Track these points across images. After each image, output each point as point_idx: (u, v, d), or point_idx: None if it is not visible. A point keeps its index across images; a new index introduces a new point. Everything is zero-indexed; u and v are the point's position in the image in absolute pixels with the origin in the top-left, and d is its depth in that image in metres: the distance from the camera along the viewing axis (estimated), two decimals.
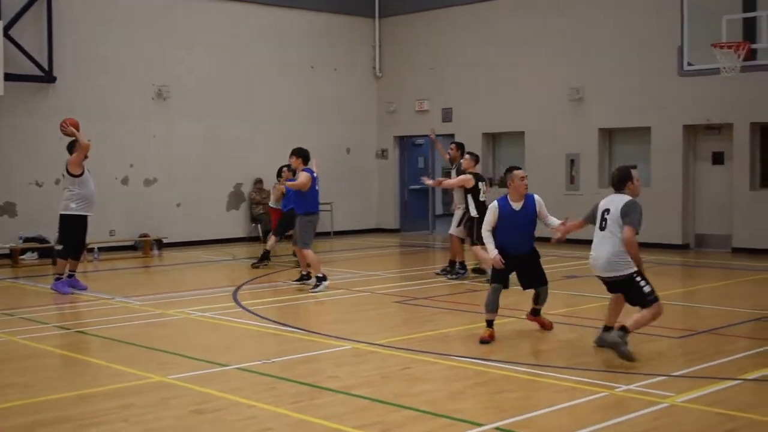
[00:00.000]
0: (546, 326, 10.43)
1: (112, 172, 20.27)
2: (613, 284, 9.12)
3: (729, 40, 14.81)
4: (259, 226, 22.41)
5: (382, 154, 25.47)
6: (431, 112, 24.26)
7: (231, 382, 8.16)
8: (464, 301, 12.84)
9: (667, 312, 11.07)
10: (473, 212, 14.46)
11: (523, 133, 22.09)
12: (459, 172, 15.07)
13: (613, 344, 8.66)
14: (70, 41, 19.72)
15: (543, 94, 21.69)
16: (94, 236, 19.40)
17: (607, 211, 9.09)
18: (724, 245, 19.20)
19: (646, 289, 8.88)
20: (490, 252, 10.01)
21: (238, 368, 8.60)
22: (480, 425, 6.69)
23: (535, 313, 10.51)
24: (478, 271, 15.19)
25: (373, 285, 14.56)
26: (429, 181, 15.64)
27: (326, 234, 23.67)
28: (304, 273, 14.39)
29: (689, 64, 15.63)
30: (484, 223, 10.17)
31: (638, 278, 8.88)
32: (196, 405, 7.35)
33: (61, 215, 14.11)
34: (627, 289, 9.01)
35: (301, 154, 14.70)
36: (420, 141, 25.50)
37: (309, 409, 7.12)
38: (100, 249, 19.28)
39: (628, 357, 8.56)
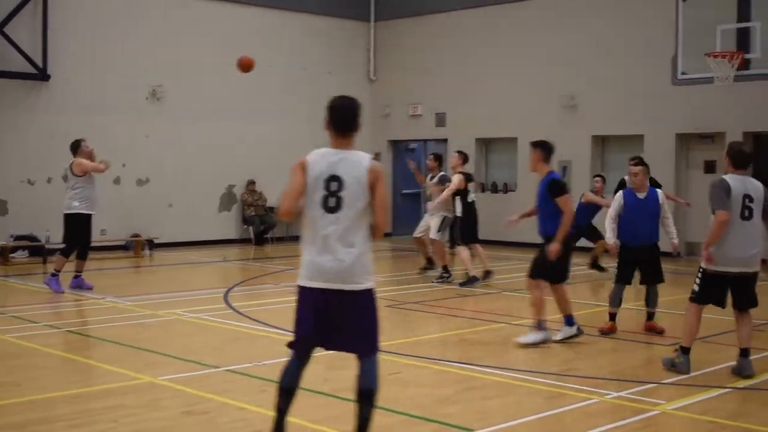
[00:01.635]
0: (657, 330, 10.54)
1: (104, 173, 20.18)
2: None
3: (723, 50, 14.88)
4: (251, 228, 22.41)
5: (376, 157, 25.37)
6: (424, 116, 24.28)
7: (221, 384, 8.16)
8: (455, 305, 12.84)
9: (657, 320, 11.12)
10: (458, 213, 14.51)
11: (516, 139, 22.11)
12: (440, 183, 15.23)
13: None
14: (65, 40, 19.69)
15: (537, 100, 21.73)
16: None
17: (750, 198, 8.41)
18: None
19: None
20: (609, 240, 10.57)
21: (228, 370, 8.60)
22: (470, 430, 6.70)
23: (649, 318, 10.71)
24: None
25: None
26: (430, 205, 15.28)
27: None
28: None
29: (683, 73, 15.68)
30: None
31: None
32: (186, 407, 7.34)
33: (65, 214, 13.96)
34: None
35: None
36: (413, 145, 25.52)
37: (300, 413, 7.11)
38: (91, 248, 19.17)
39: None
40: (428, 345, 9.95)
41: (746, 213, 8.30)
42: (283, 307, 12.44)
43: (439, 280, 15.04)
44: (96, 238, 19.62)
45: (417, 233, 16.28)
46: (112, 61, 20.43)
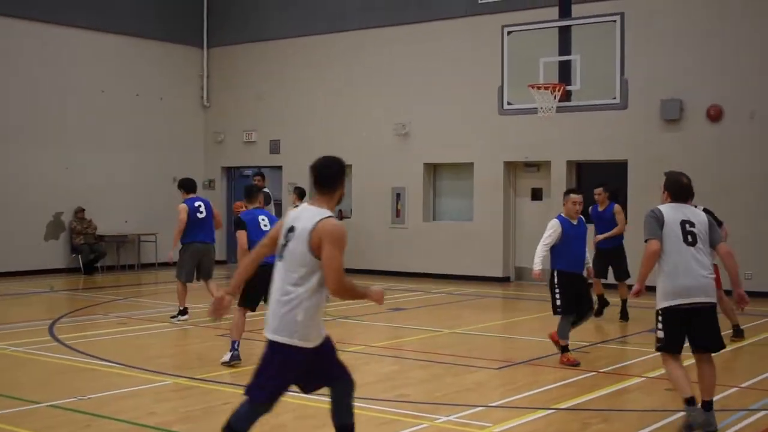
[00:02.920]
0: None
1: None
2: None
3: (546, 82, 15.40)
4: (80, 256, 21.73)
5: (209, 184, 25.19)
6: (259, 143, 24.20)
7: (45, 419, 7.86)
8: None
9: (486, 343, 11.41)
10: None
11: (350, 166, 22.30)
12: None
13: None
14: None
15: (370, 127, 22.01)
16: None
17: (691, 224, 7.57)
18: (542, 278, 19.81)
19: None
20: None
21: (50, 405, 8.28)
22: None
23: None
24: None
25: (196, 318, 14.32)
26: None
27: (151, 265, 23.18)
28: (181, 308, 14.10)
29: (509, 103, 16.15)
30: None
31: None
32: None
33: None
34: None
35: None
36: (247, 172, 25.37)
37: None
38: None
39: None
40: None
41: (689, 238, 7.46)
42: (112, 339, 12.14)
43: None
44: None
45: None
46: None
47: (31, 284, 19.28)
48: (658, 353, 7.57)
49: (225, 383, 9.24)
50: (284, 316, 5.70)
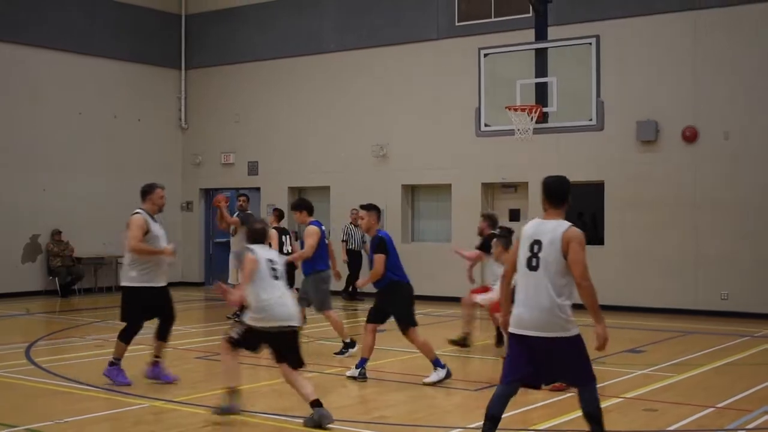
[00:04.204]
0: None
1: None
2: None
3: (522, 104, 15.52)
4: (56, 279, 21.61)
5: (187, 206, 25.15)
6: (237, 165, 24.20)
7: None
8: (264, 356, 12.73)
9: (464, 364, 11.44)
10: None
11: (328, 187, 22.34)
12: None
13: None
14: None
15: (348, 149, 22.07)
16: None
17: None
18: None
19: None
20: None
21: (27, 429, 8.23)
22: None
23: None
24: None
25: (174, 340, 14.21)
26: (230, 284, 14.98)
27: None
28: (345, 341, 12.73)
29: (486, 125, 16.25)
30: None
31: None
32: None
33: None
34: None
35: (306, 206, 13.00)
36: (226, 194, 25.31)
37: None
38: None
39: None
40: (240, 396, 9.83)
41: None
42: (89, 362, 12.07)
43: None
44: None
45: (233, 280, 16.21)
46: None
47: (7, 307, 19.14)
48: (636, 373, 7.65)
49: (203, 406, 9.20)
50: (552, 315, 6.61)
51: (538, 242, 6.69)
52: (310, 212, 12.83)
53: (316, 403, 8.20)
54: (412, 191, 21.71)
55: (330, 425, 8.25)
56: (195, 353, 12.90)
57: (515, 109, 15.46)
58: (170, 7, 24.95)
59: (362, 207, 11.59)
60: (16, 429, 8.27)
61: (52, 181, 21.96)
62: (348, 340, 12.54)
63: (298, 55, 23.13)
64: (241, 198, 17.36)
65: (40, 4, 21.89)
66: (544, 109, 15.55)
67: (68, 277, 21.75)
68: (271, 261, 8.57)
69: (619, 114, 17.93)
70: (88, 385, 10.36)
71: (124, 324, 10.54)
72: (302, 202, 12.96)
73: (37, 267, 21.72)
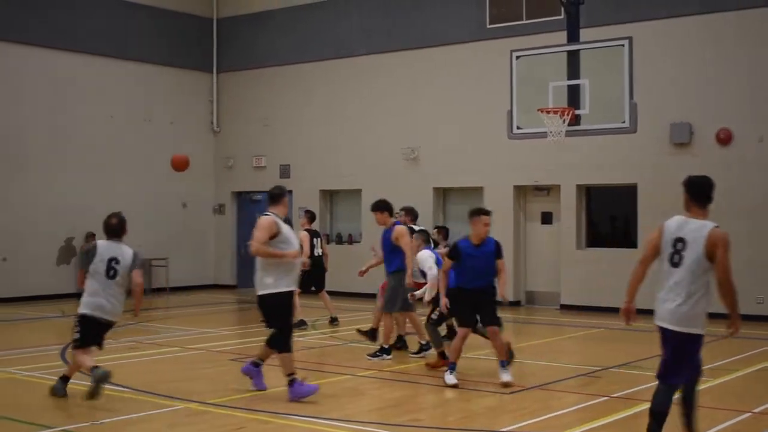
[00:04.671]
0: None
1: None
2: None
3: (555, 106, 15.46)
4: None
5: (219, 209, 25.28)
6: (268, 168, 24.29)
7: None
8: (300, 358, 12.78)
9: (497, 368, 11.39)
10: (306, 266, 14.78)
11: (360, 190, 22.37)
12: None
13: None
14: None
15: (379, 152, 22.08)
16: None
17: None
18: (552, 302, 19.89)
19: None
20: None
21: (63, 430, 8.31)
22: None
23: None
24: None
25: (208, 342, 14.36)
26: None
27: (162, 289, 23.27)
28: (422, 342, 12.76)
29: (518, 127, 16.19)
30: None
31: None
32: None
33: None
34: None
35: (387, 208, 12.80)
36: (258, 197, 25.43)
37: None
38: None
39: None
40: (272, 399, 9.87)
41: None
42: (123, 364, 12.16)
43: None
44: None
45: None
46: None
47: (42, 309, 19.34)
48: None
49: (237, 408, 9.25)
50: (688, 311, 6.99)
51: (681, 240, 6.99)
52: (391, 213, 12.73)
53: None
54: (443, 194, 21.68)
55: (362, 428, 8.27)
56: (228, 355, 12.95)
57: (547, 112, 15.41)
58: (202, 11, 25.10)
59: (403, 209, 11.95)
60: (52, 430, 8.35)
61: (87, 184, 22.15)
62: (386, 346, 12.37)
63: (329, 59, 23.18)
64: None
65: (74, 8, 22.11)
66: (577, 112, 15.48)
67: None
68: (113, 260, 10.00)
69: (652, 116, 17.81)
70: (123, 386, 10.43)
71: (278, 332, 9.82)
72: (383, 203, 12.73)
73: (72, 269, 21.90)
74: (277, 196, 10.00)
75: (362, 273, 13.78)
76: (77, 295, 20.61)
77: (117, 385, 10.47)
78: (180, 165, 12.32)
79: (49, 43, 21.57)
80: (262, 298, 9.71)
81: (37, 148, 21.26)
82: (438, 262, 11.92)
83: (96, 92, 22.54)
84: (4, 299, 20.12)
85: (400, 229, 12.42)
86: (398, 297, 12.40)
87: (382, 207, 12.68)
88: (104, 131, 22.66)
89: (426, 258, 12.14)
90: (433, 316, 11.83)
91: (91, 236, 21.98)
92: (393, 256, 12.42)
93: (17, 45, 21.03)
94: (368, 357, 12.40)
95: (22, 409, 9.31)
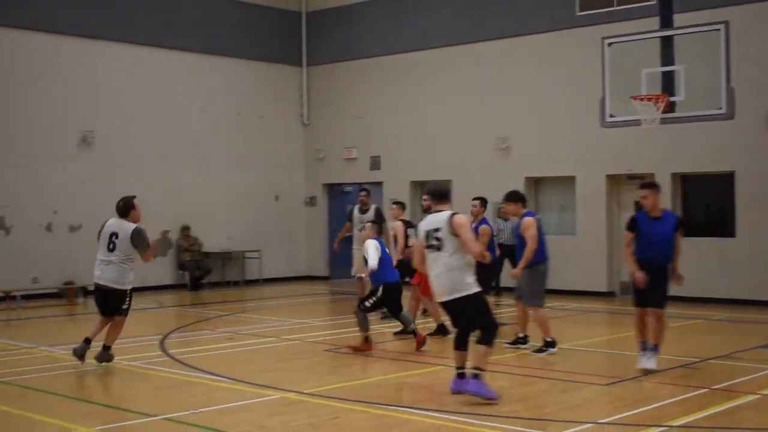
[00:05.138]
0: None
1: (35, 219, 19.98)
2: None
3: (648, 93, 15.18)
4: (186, 273, 22.24)
5: (311, 201, 25.50)
6: (359, 159, 24.40)
7: None
8: (393, 349, 12.85)
9: (593, 359, 11.30)
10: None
11: (450, 181, 22.31)
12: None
13: None
14: None
15: (470, 143, 21.99)
16: (16, 283, 19.10)
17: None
18: None
19: None
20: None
21: (165, 418, 8.49)
22: None
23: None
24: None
25: (302, 333, 14.51)
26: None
27: (255, 281, 23.61)
28: (521, 335, 12.56)
29: (611, 115, 15.95)
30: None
31: None
32: None
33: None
34: None
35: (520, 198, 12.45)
36: (348, 188, 25.59)
37: None
38: (24, 297, 18.90)
39: None
40: (367, 389, 9.94)
41: None
42: (220, 354, 12.36)
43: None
44: (28, 286, 19.42)
45: (359, 273, 16.52)
46: (43, 106, 20.22)
47: (141, 300, 19.71)
48: None
49: (333, 397, 9.32)
50: None
51: None
52: (525, 204, 12.35)
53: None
54: (535, 184, 21.50)
55: (457, 418, 8.26)
56: (323, 346, 13.07)
57: (641, 99, 15.14)
58: (292, 5, 25.32)
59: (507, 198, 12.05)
60: (153, 419, 8.54)
61: (181, 178, 22.56)
62: (549, 339, 12.07)
63: (418, 50, 23.16)
64: (362, 193, 17.40)
65: (164, 5, 22.51)
66: (671, 99, 15.18)
67: (197, 271, 22.34)
68: (114, 234, 11.78)
69: (750, 102, 17.33)
70: (220, 376, 10.61)
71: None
72: (516, 194, 12.36)
73: (168, 262, 22.37)
74: (447, 193, 9.61)
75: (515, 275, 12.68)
76: (174, 287, 21.21)
77: (214, 374, 10.68)
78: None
79: (139, 40, 21.99)
80: (468, 298, 9.07)
81: (133, 144, 21.71)
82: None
83: (188, 87, 22.93)
84: None
85: (526, 221, 12.06)
86: (540, 290, 12.15)
87: (515, 197, 12.31)
88: (196, 126, 23.04)
89: (370, 247, 12.49)
90: (367, 303, 12.42)
91: (185, 229, 22.45)
92: (525, 248, 12.07)
93: (112, 43, 21.48)
94: (534, 353, 12.00)
95: (125, 398, 9.54)
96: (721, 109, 15.01)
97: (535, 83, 20.99)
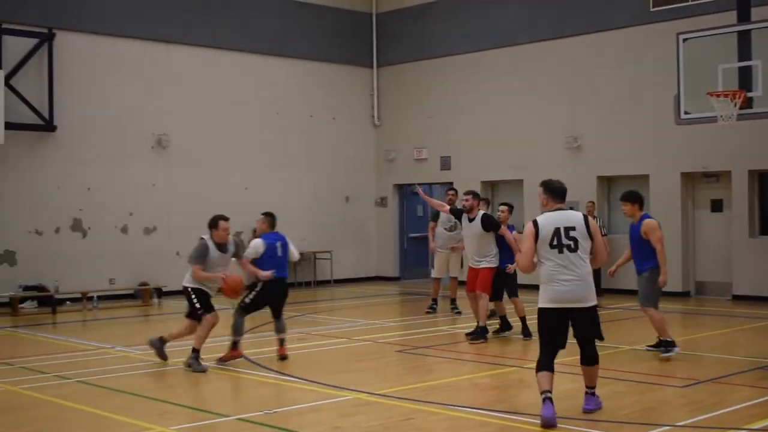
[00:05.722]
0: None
1: (111, 221, 20.35)
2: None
3: (725, 89, 14.88)
4: None
5: (382, 202, 25.52)
6: (430, 160, 24.36)
7: None
8: (465, 350, 12.79)
9: (667, 360, 11.11)
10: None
11: (522, 181, 22.15)
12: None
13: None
14: (71, 90, 19.86)
15: (541, 142, 21.81)
16: (93, 284, 19.47)
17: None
18: (724, 293, 19.20)
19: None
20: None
21: (239, 419, 8.56)
22: None
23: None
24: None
25: (374, 334, 14.53)
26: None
27: (326, 282, 23.71)
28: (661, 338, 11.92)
29: (686, 112, 15.67)
30: None
31: None
32: None
33: None
34: None
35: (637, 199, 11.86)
36: (416, 188, 25.53)
37: None
38: (100, 297, 19.26)
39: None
40: (440, 390, 9.90)
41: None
42: (294, 354, 12.42)
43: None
44: (104, 287, 19.78)
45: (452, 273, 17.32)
46: (118, 110, 20.58)
47: (215, 301, 19.91)
48: None
49: (406, 399, 9.31)
50: None
51: None
52: (642, 205, 11.85)
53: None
54: (608, 182, 21.23)
55: (533, 420, 8.17)
56: (394, 347, 13.06)
57: (717, 95, 14.85)
58: (362, 6, 25.39)
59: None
60: (227, 419, 8.62)
61: (253, 180, 22.77)
62: (670, 339, 11.71)
63: (488, 49, 23.04)
64: (450, 192, 17.12)
65: (238, 9, 22.72)
66: (749, 94, 14.87)
67: None
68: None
69: None
70: (293, 376, 10.67)
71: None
72: (634, 194, 11.85)
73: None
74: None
75: (612, 273, 12.35)
76: (246, 288, 21.31)
77: (287, 375, 10.73)
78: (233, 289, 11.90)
79: (213, 44, 22.25)
80: (594, 309, 8.47)
81: (208, 146, 21.96)
82: None
83: (260, 90, 23.13)
84: (177, 292, 20.77)
85: (650, 223, 11.58)
86: (655, 291, 11.76)
87: (633, 198, 11.77)
88: (270, 127, 23.24)
89: (253, 245, 12.60)
90: (246, 300, 12.22)
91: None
92: (642, 251, 11.65)
93: (186, 47, 21.77)
94: (662, 355, 11.61)
95: (200, 398, 9.64)
96: None
97: (609, 80, 20.73)
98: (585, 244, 8.28)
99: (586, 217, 8.41)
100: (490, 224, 13.29)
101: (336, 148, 24.65)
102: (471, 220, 13.38)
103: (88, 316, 17.89)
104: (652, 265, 11.58)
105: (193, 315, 11.62)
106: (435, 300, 17.30)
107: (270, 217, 12.88)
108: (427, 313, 17.01)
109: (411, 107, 24.80)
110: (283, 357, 11.98)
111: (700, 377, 10.37)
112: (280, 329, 12.25)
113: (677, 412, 8.76)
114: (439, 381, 10.45)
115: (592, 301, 8.32)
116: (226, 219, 11.81)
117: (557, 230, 8.23)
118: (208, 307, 11.62)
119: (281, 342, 12.14)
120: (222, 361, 11.65)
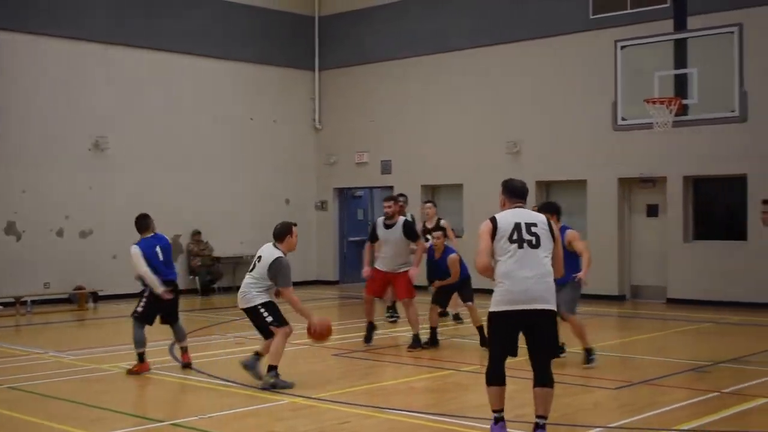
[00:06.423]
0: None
1: (46, 224, 20.03)
2: None
3: (661, 96, 15.09)
4: (197, 278, 22.23)
5: (322, 205, 25.47)
6: (370, 164, 24.37)
7: None
8: (402, 353, 12.80)
9: (602, 363, 11.24)
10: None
11: (461, 185, 22.26)
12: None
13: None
14: (7, 91, 19.53)
15: (481, 147, 21.94)
16: (27, 288, 19.12)
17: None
18: (659, 296, 19.48)
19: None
20: None
21: (173, 424, 8.46)
22: None
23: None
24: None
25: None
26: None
27: None
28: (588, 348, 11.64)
29: (623, 118, 15.85)
30: None
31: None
32: None
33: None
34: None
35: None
36: (359, 193, 25.58)
37: None
38: (34, 302, 18.92)
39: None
40: (376, 393, 9.90)
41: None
42: (231, 359, 12.32)
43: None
44: (39, 291, 19.45)
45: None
46: (55, 112, 20.27)
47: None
48: None
49: (342, 402, 9.28)
50: None
51: None
52: (560, 216, 11.54)
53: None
54: (546, 188, 21.41)
55: (470, 423, 8.20)
56: (331, 350, 13.02)
57: (654, 102, 15.06)
58: (304, 9, 25.32)
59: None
60: (161, 424, 8.52)
61: (192, 183, 22.57)
62: (590, 346, 11.56)
63: (429, 54, 23.12)
64: (429, 205, 16.74)
65: (176, 10, 22.52)
66: (684, 101, 15.09)
67: (208, 276, 22.34)
68: (259, 257, 10.60)
69: (763, 105, 17.23)
70: (229, 381, 10.58)
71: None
72: (552, 205, 11.56)
73: (179, 266, 22.30)
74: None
75: None
76: (185, 292, 21.08)
77: (224, 379, 10.65)
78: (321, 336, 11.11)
79: (155, 46, 22.04)
80: (554, 316, 7.71)
81: (144, 148, 21.73)
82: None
83: (200, 92, 22.95)
84: (113, 296, 20.56)
85: (573, 233, 11.52)
86: (576, 299, 11.73)
87: (551, 209, 11.28)
88: (208, 131, 23.05)
89: (132, 253, 12.16)
90: (138, 309, 11.62)
91: (196, 234, 22.46)
92: (566, 261, 11.55)
93: (129, 49, 21.54)
94: (585, 365, 11.41)
95: (133, 404, 9.53)
96: (734, 111, 14.87)
97: (547, 86, 20.93)
98: (547, 244, 7.58)
99: (548, 219, 7.81)
100: (410, 232, 13.28)
101: (277, 151, 24.54)
102: (390, 227, 13.26)
103: (21, 321, 17.56)
104: (576, 273, 11.47)
105: (266, 332, 10.49)
106: (390, 307, 16.73)
107: (144, 220, 12.61)
108: (392, 322, 16.60)
109: (352, 111, 24.80)
110: (186, 365, 11.51)
111: (633, 379, 10.49)
112: (180, 337, 11.71)
113: (610, 414, 8.85)
114: (376, 384, 10.44)
115: (552, 305, 7.51)
116: (295, 225, 11.03)
117: (518, 225, 7.57)
118: (282, 321, 10.52)
119: (184, 350, 11.64)
120: (130, 373, 11.21)
